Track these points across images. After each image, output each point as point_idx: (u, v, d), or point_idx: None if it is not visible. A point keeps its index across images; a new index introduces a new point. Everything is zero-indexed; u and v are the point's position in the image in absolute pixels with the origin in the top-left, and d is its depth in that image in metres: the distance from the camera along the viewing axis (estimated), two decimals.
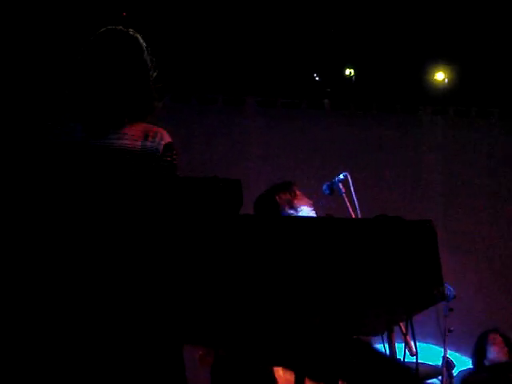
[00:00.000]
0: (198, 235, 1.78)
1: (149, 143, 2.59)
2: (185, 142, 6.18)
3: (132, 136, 2.59)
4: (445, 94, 6.74)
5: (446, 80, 6.56)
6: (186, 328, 1.95)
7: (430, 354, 5.25)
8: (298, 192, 3.72)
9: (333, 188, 3.93)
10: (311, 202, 3.69)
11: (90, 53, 2.62)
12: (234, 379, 3.18)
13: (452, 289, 4.63)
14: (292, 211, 3.61)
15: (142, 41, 2.69)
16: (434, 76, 6.61)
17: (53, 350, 2.01)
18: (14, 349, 1.98)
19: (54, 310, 1.88)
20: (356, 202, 3.82)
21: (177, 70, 5.98)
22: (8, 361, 1.98)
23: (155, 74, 2.70)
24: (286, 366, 2.55)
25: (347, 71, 6.47)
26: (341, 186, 3.92)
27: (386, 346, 3.02)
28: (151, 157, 2.56)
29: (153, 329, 1.96)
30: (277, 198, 3.65)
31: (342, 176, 3.93)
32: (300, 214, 3.56)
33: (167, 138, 2.64)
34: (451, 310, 4.92)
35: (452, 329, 4.95)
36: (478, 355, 5.58)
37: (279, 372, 3.10)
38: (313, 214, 3.60)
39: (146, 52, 2.68)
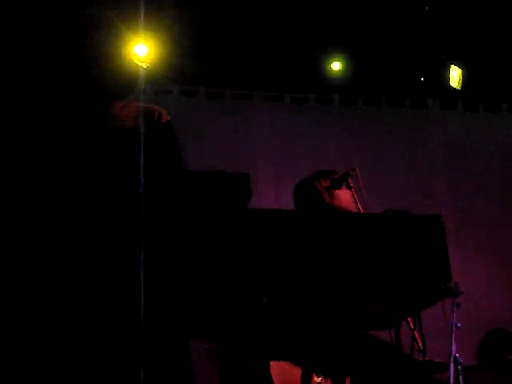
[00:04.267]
0: (206, 229, 1.78)
1: (148, 123, 2.53)
2: (192, 136, 6.17)
3: (128, 116, 2.53)
4: (453, 90, 6.73)
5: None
6: (193, 322, 1.95)
7: (437, 349, 5.23)
8: None
9: (341, 182, 3.91)
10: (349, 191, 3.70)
11: (71, 36, 2.57)
12: (241, 373, 3.18)
13: (459, 284, 4.61)
14: (330, 200, 3.62)
15: (119, 21, 2.63)
16: (447, 72, 6.57)
17: (55, 347, 2.00)
18: (14, 347, 1.97)
19: (51, 305, 1.87)
20: (364, 197, 3.80)
21: (184, 63, 5.97)
22: (8, 360, 1.97)
23: (132, 52, 2.63)
24: (293, 362, 2.55)
25: (335, 65, 6.47)
26: (349, 181, 3.90)
27: (394, 341, 3.00)
28: (153, 136, 2.50)
29: (159, 323, 1.95)
30: (317, 184, 3.65)
31: (350, 170, 3.91)
32: (338, 202, 3.56)
33: (165, 116, 2.59)
34: (459, 305, 4.90)
35: (459, 325, 4.93)
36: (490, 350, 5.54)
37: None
38: (352, 203, 3.61)
39: (122, 32, 2.62)
